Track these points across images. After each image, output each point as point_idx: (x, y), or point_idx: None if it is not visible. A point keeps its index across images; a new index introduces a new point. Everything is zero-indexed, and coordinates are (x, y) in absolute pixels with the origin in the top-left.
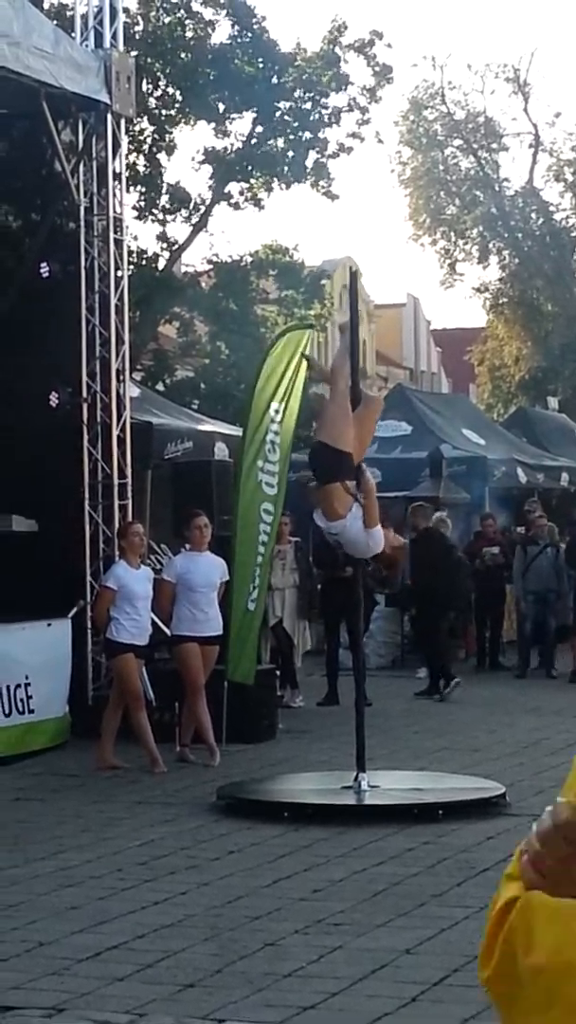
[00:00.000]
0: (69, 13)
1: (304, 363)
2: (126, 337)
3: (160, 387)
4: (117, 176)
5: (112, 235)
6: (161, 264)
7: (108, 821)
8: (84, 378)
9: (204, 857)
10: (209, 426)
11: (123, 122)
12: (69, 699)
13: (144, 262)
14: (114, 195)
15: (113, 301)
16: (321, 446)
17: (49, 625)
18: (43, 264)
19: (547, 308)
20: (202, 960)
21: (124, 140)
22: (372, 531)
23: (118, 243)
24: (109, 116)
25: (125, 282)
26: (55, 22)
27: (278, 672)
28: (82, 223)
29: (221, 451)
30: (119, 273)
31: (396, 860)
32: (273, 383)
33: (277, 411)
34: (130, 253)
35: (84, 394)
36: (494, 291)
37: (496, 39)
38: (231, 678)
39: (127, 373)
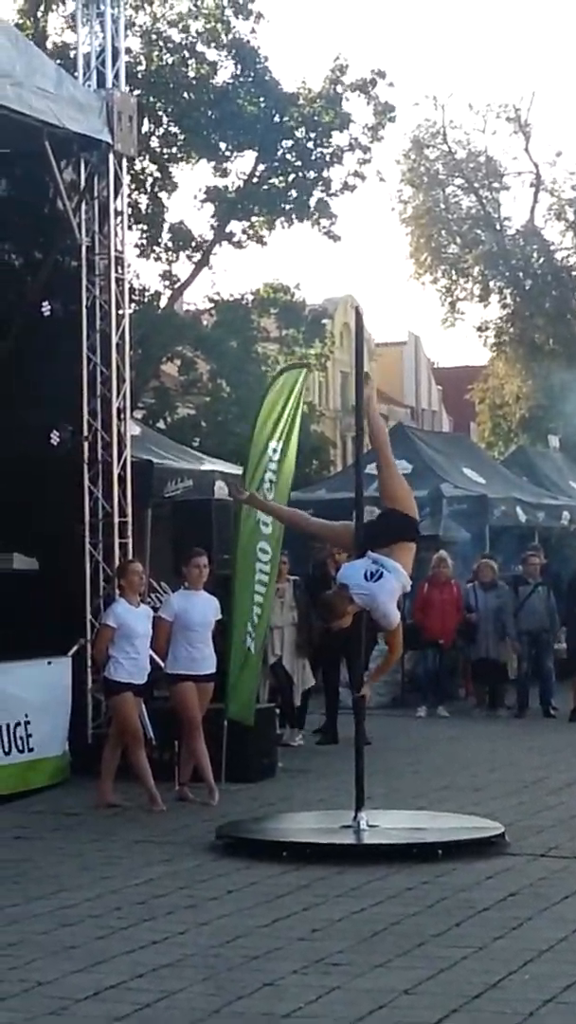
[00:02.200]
0: (72, 53)
1: (300, 402)
2: (127, 375)
3: (161, 425)
4: (119, 215)
5: (113, 274)
6: (163, 302)
7: (107, 860)
8: (85, 416)
9: (202, 896)
10: (209, 465)
11: (124, 161)
12: (69, 737)
13: (146, 300)
14: (115, 234)
15: (114, 339)
16: (394, 512)
17: (49, 663)
18: (44, 302)
19: (548, 347)
20: (200, 1000)
21: (126, 179)
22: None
23: (119, 282)
24: (111, 155)
25: (126, 320)
26: (58, 61)
27: (277, 710)
28: (84, 262)
29: (221, 490)
30: (120, 312)
31: (395, 900)
32: (271, 422)
33: (275, 450)
34: (132, 291)
35: (85, 432)
36: (495, 329)
37: (497, 79)
38: (230, 716)
39: (128, 411)
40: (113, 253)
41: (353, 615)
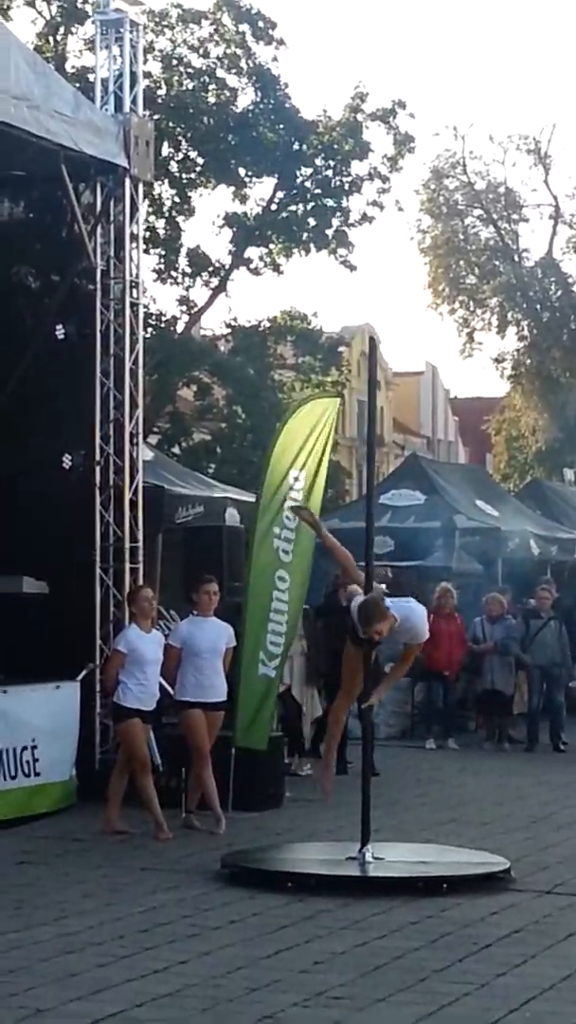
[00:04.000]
0: (91, 76)
1: (330, 433)
2: (140, 401)
3: (176, 450)
4: (134, 239)
5: (128, 298)
6: (180, 327)
7: (111, 887)
8: (98, 441)
9: (206, 926)
10: (220, 492)
11: (141, 186)
12: (76, 762)
13: (163, 324)
14: (131, 259)
15: (128, 364)
16: None
17: (57, 688)
18: (58, 326)
19: (565, 379)
20: None
21: (142, 204)
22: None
23: (134, 306)
24: (127, 180)
25: (140, 345)
26: (77, 85)
27: (286, 740)
28: (99, 286)
29: (232, 517)
30: (134, 336)
31: (399, 933)
32: (293, 450)
33: (297, 478)
34: (149, 315)
35: (97, 457)
36: (512, 361)
37: (518, 111)
38: (238, 744)
39: (140, 436)
40: (128, 277)
41: (387, 627)
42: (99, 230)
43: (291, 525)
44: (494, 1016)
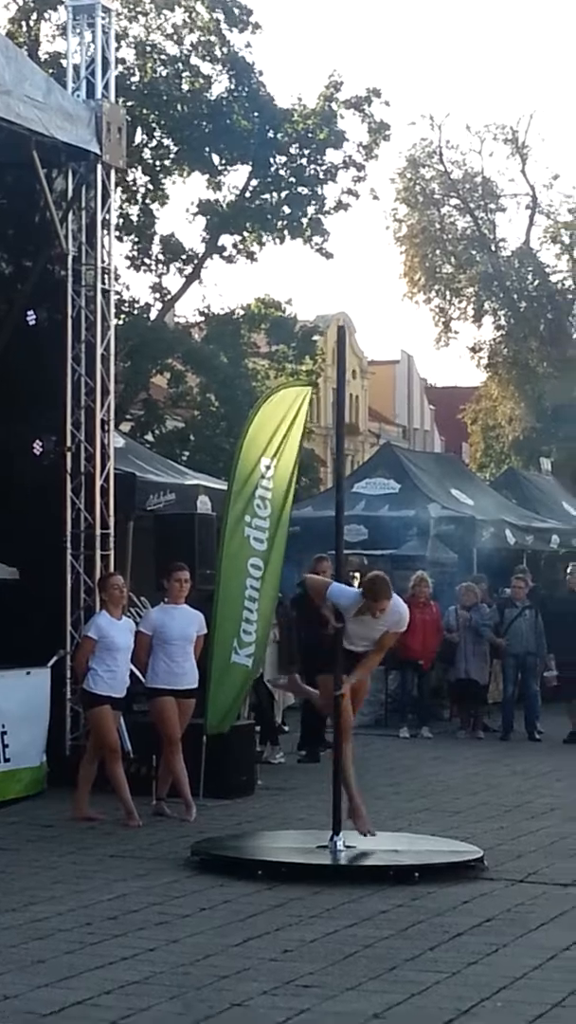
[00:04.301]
0: (63, 62)
1: (302, 420)
2: (111, 387)
3: (150, 437)
4: (106, 226)
5: (100, 284)
6: (153, 314)
7: (81, 873)
8: (69, 427)
9: (175, 913)
10: (192, 479)
11: (113, 173)
12: (47, 748)
13: (136, 312)
14: (102, 245)
15: (99, 351)
16: None
17: (28, 673)
18: (29, 312)
19: (541, 369)
20: (167, 1019)
21: (114, 190)
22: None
23: (105, 293)
24: (99, 166)
25: (112, 332)
26: (51, 71)
27: (257, 728)
28: (70, 272)
29: (204, 504)
30: (106, 323)
31: (369, 922)
32: (264, 438)
33: (268, 467)
34: (122, 302)
35: (68, 443)
36: (489, 351)
37: (495, 100)
38: (210, 732)
39: (112, 423)
40: (100, 264)
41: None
42: (71, 216)
43: (263, 514)
44: (465, 1005)
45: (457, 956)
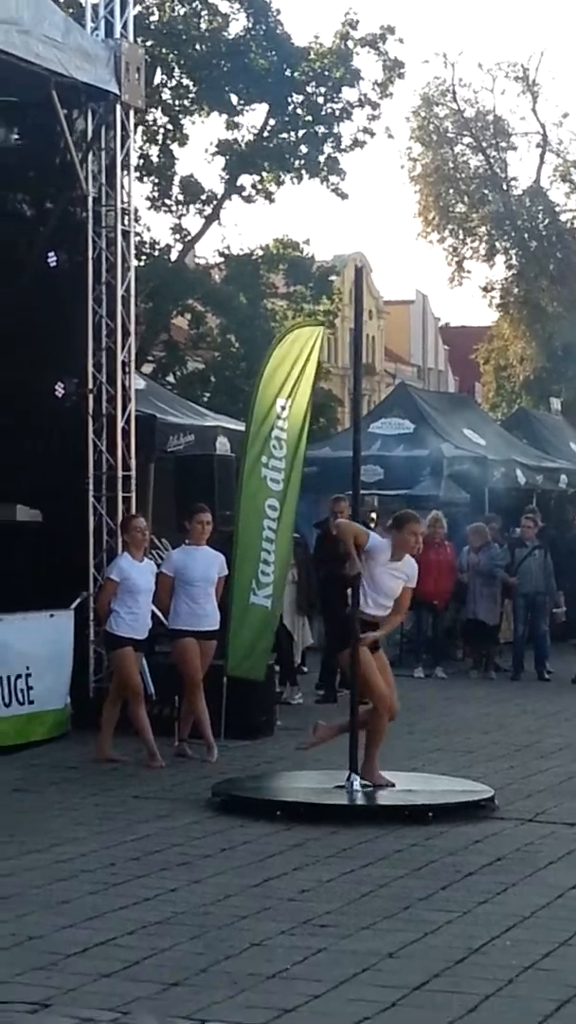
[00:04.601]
0: (81, 1)
1: (315, 360)
2: (132, 329)
3: (171, 379)
4: (126, 167)
5: (120, 226)
6: (174, 255)
7: (103, 815)
8: (90, 369)
9: (196, 854)
10: (212, 420)
11: (132, 113)
12: (71, 691)
13: (157, 253)
14: (122, 186)
15: (120, 292)
16: None
17: (51, 616)
18: (50, 253)
19: (552, 309)
20: (188, 959)
21: (134, 131)
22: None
23: (126, 234)
24: (118, 107)
25: (132, 274)
26: (69, 11)
27: (277, 668)
28: (90, 213)
29: (223, 445)
30: (126, 264)
31: (384, 862)
32: (279, 379)
33: (284, 407)
34: (143, 244)
35: (90, 385)
36: (500, 290)
37: (507, 38)
38: (231, 673)
39: (132, 365)
40: (120, 205)
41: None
42: (91, 157)
43: (279, 454)
44: (476, 944)
45: (468, 895)
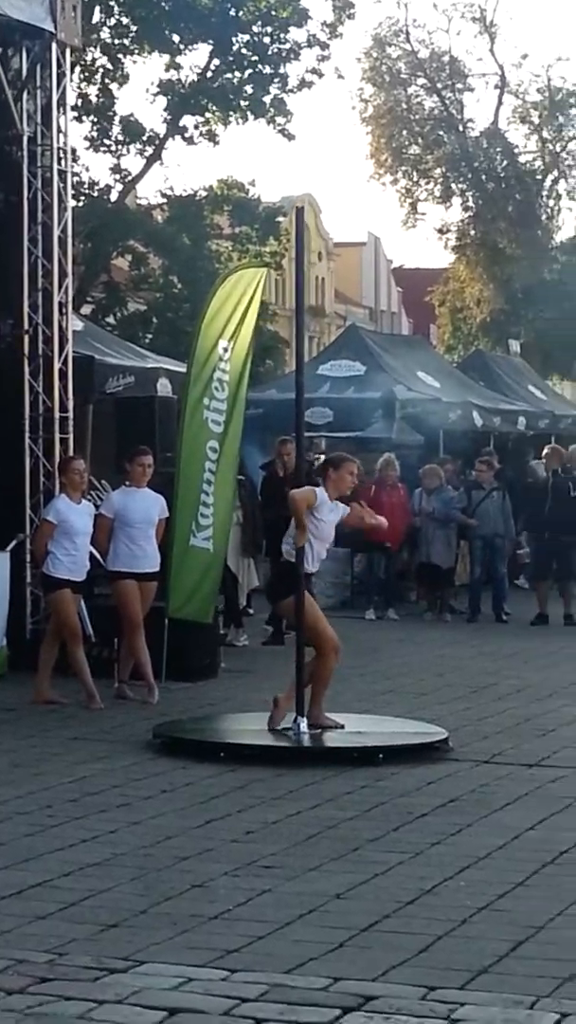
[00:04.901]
0: None
1: (257, 302)
2: (69, 270)
3: (111, 320)
4: (63, 107)
5: (56, 165)
6: (114, 196)
7: (41, 756)
8: (26, 310)
9: (136, 796)
10: (152, 362)
11: (68, 51)
12: (7, 632)
13: (97, 194)
14: (59, 127)
15: (56, 233)
16: None
17: None
18: None
19: (510, 250)
20: (127, 900)
21: (71, 70)
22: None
23: (62, 174)
24: (54, 45)
25: (69, 214)
26: None
27: (221, 610)
28: (25, 153)
29: (164, 387)
30: (63, 204)
31: (332, 803)
32: (221, 321)
33: (226, 349)
34: (82, 184)
35: (26, 326)
36: (457, 232)
37: None
38: (173, 615)
39: (70, 306)
40: (56, 144)
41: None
42: (26, 96)
43: (220, 396)
44: (427, 885)
45: (420, 837)
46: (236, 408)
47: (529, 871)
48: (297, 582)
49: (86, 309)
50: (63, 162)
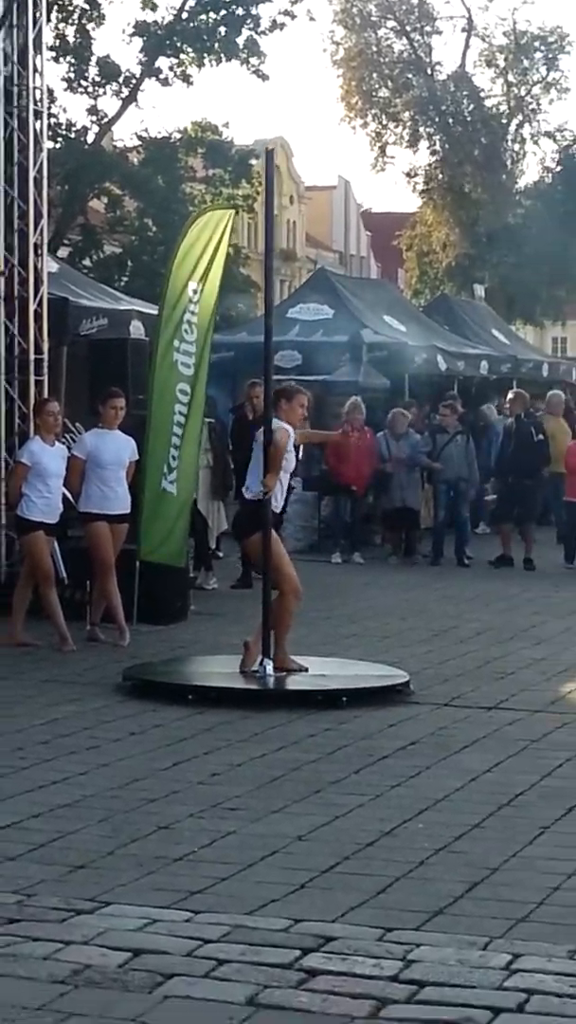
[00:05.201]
0: None
1: (225, 244)
2: (45, 211)
3: (87, 262)
4: (38, 46)
5: (32, 106)
6: (91, 138)
7: (13, 699)
8: (1, 251)
9: (106, 738)
10: (126, 304)
11: None
12: None
13: (73, 135)
14: (35, 67)
15: (32, 174)
16: None
17: None
18: None
19: (475, 194)
20: (95, 842)
21: (47, 10)
22: None
23: (38, 114)
24: None
25: (45, 154)
26: None
27: (192, 553)
28: (2, 93)
29: (137, 329)
30: (39, 145)
31: (296, 746)
32: (191, 263)
33: (195, 291)
34: (58, 125)
35: (1, 267)
36: (424, 176)
37: None
38: (144, 558)
39: (45, 247)
40: (32, 84)
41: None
42: (2, 36)
43: (190, 338)
44: (387, 826)
45: (381, 779)
46: (205, 350)
47: (485, 813)
48: (265, 522)
49: (62, 252)
50: (39, 103)
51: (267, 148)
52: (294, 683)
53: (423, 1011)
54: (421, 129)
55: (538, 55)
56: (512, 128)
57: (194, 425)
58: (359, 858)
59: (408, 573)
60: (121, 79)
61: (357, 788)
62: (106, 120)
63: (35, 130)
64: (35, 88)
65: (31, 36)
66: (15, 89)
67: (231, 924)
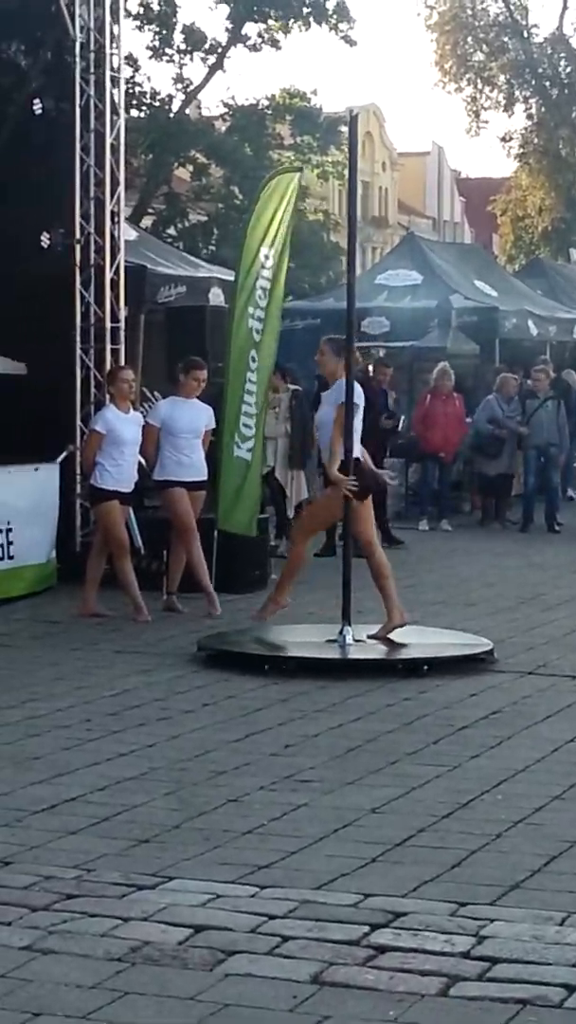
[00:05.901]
0: None
1: (292, 207)
2: (121, 178)
3: (172, 231)
4: (116, 13)
5: (109, 72)
6: (176, 106)
7: (84, 669)
8: (78, 219)
9: (177, 709)
10: (205, 271)
11: None
12: (57, 545)
13: (158, 104)
14: (113, 33)
15: (109, 141)
16: None
17: (36, 470)
18: (36, 100)
19: (572, 158)
20: (160, 815)
21: None
22: None
23: (115, 81)
24: None
25: (122, 122)
26: None
27: (273, 522)
28: (78, 59)
29: (216, 296)
30: (116, 113)
31: (374, 716)
32: (263, 227)
33: (267, 256)
34: (144, 95)
35: (77, 235)
36: (519, 140)
37: None
38: (222, 527)
39: (122, 215)
40: (109, 51)
41: None
42: (79, 1)
43: (262, 304)
44: (464, 799)
45: (460, 749)
46: (272, 315)
47: (566, 784)
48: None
49: (147, 221)
50: (117, 70)
51: (351, 112)
52: (374, 652)
53: (494, 988)
54: (517, 93)
55: None
56: None
57: (263, 392)
58: (434, 831)
59: (497, 540)
60: (207, 46)
61: (435, 759)
62: (192, 88)
63: (111, 97)
64: (112, 55)
65: (108, 2)
66: (92, 55)
67: (298, 899)
